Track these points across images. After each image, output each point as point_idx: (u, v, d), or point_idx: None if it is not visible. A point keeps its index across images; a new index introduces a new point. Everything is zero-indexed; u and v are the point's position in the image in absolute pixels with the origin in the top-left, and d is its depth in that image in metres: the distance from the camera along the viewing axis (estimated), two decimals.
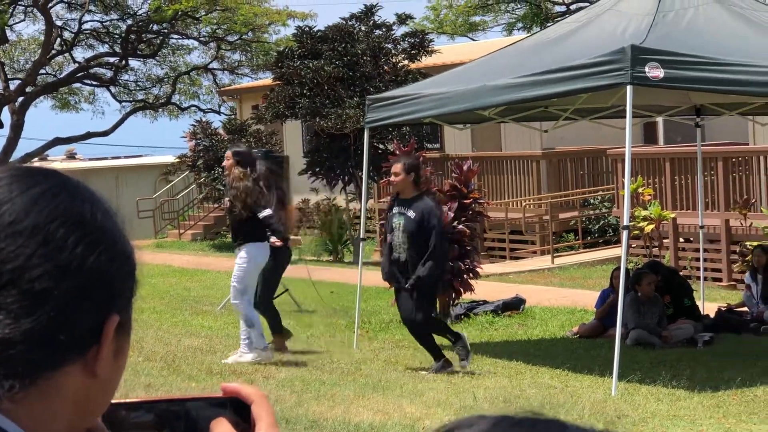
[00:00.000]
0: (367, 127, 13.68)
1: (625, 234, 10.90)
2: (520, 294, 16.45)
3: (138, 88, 38.18)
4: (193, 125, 30.11)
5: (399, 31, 27.13)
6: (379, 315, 15.71)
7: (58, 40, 35.29)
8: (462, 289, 15.43)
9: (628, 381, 10.72)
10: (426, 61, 26.86)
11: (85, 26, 35.89)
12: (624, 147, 10.96)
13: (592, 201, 24.91)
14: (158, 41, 36.08)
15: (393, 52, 26.66)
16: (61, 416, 1.23)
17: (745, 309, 15.02)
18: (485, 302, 16.01)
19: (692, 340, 13.41)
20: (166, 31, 35.38)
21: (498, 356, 12.55)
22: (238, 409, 1.33)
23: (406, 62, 26.55)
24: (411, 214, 11.09)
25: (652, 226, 19.03)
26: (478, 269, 15.73)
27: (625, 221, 10.93)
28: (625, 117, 10.57)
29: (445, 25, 40.87)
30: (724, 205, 19.58)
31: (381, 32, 26.71)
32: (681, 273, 16.31)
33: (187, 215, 33.98)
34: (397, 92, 13.90)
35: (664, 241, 20.15)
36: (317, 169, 26.28)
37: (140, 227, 31.55)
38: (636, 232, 19.00)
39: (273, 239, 11.81)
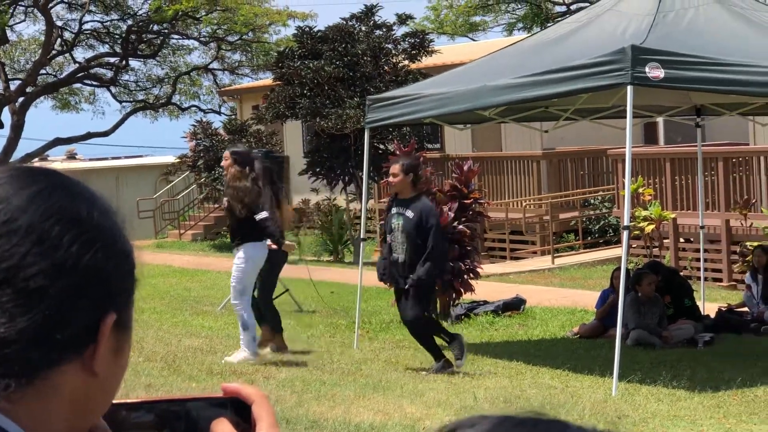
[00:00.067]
0: (367, 128, 13.68)
1: (625, 234, 10.90)
2: (520, 294, 16.45)
3: (138, 89, 38.20)
4: (193, 125, 30.11)
5: (399, 31, 27.15)
6: (380, 315, 15.71)
7: (59, 40, 35.30)
8: (462, 290, 15.44)
9: (629, 381, 10.72)
10: (426, 61, 26.85)
11: (86, 26, 35.92)
12: (624, 147, 10.96)
13: (592, 201, 24.91)
14: (159, 41, 36.09)
15: (393, 52, 26.66)
16: (60, 415, 1.23)
17: (746, 309, 15.02)
18: (486, 302, 16.01)
19: (693, 341, 13.40)
20: (166, 31, 35.39)
21: (498, 356, 12.55)
22: (238, 409, 1.33)
23: (406, 62, 26.55)
24: (409, 214, 11.11)
25: (652, 227, 19.03)
26: (478, 269, 15.73)
27: (626, 221, 10.93)
28: (625, 117, 10.57)
29: (445, 26, 40.88)
30: (725, 205, 19.58)
31: (381, 32, 26.71)
32: (681, 273, 16.31)
33: (187, 215, 33.98)
34: (397, 92, 13.90)
35: (665, 241, 20.15)
36: (317, 170, 26.28)
37: (140, 227, 31.55)
38: (636, 232, 19.01)
39: (268, 242, 11.82)
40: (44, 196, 1.23)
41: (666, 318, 13.76)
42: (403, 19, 27.32)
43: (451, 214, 15.30)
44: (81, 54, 37.31)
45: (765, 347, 13.17)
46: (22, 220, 1.21)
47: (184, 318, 15.78)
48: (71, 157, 40.10)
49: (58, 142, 35.29)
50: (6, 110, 33.57)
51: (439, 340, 11.62)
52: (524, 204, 24.51)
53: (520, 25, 39.51)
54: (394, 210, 11.33)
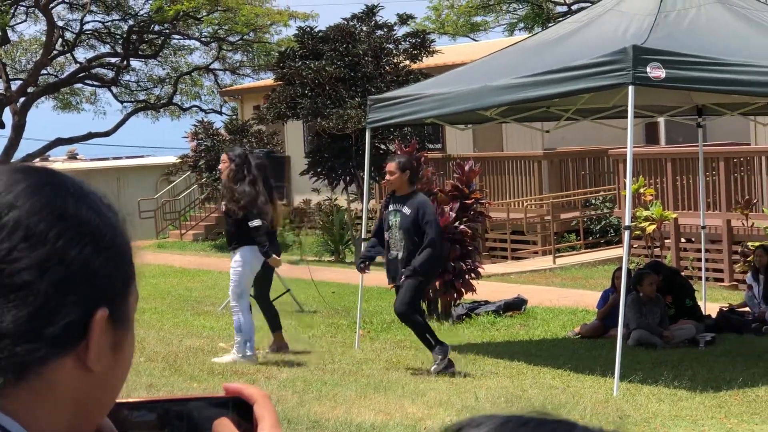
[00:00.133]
0: (368, 128, 13.68)
1: (626, 234, 10.90)
2: (521, 294, 16.45)
3: (139, 89, 38.22)
4: (194, 125, 30.11)
5: (400, 31, 27.14)
6: (381, 315, 15.70)
7: (60, 40, 35.30)
8: (464, 290, 15.44)
9: (630, 381, 10.72)
10: (427, 61, 26.85)
11: (87, 27, 35.93)
12: (626, 147, 10.96)
13: (593, 201, 24.90)
14: (160, 41, 36.11)
15: (394, 52, 26.66)
16: (59, 412, 1.23)
17: (747, 309, 15.01)
18: (487, 302, 16.01)
19: (694, 341, 13.40)
20: (167, 31, 35.40)
21: (500, 356, 12.55)
22: (240, 409, 1.33)
23: (407, 62, 26.54)
24: (406, 210, 11.15)
25: (653, 227, 19.02)
26: (479, 269, 15.73)
27: (627, 221, 10.93)
28: (626, 117, 10.57)
29: (446, 26, 40.88)
30: (726, 205, 19.57)
31: (382, 32, 26.70)
32: (682, 273, 16.30)
33: (188, 215, 33.99)
34: (398, 92, 13.90)
35: (666, 241, 20.15)
36: (319, 170, 26.28)
37: (142, 228, 31.55)
38: (637, 232, 19.00)
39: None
40: (31, 193, 1.23)
41: (667, 318, 13.76)
42: (404, 19, 27.31)
43: (453, 214, 15.31)
44: (82, 54, 37.44)
45: (766, 347, 13.16)
46: (8, 216, 1.21)
47: (186, 318, 15.79)
48: (72, 157, 40.12)
49: (59, 142, 35.31)
50: (7, 110, 33.59)
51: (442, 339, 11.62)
52: (525, 204, 24.50)
53: (522, 25, 39.51)
54: (391, 207, 11.36)
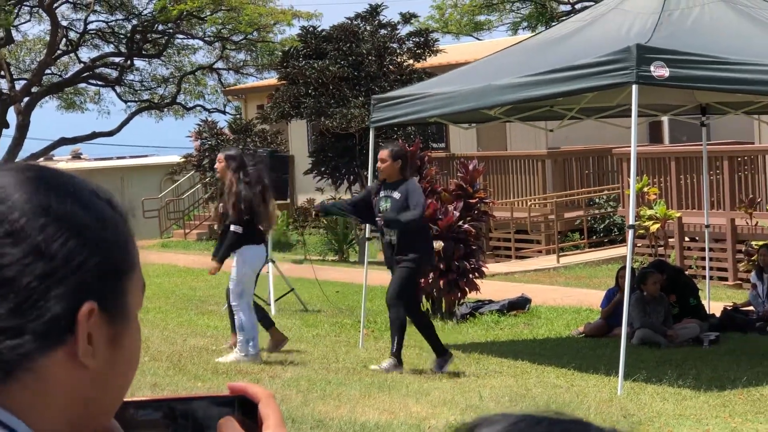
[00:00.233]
0: (372, 127, 13.68)
1: (630, 233, 10.90)
2: (525, 293, 16.45)
3: (143, 88, 38.25)
4: (198, 125, 30.14)
5: (404, 30, 27.16)
6: (385, 314, 15.63)
7: (64, 40, 35.33)
8: (467, 289, 15.44)
9: (634, 380, 10.72)
10: (431, 60, 26.86)
11: (91, 26, 35.97)
12: (629, 146, 10.96)
13: (597, 200, 24.90)
14: (163, 41, 36.13)
15: (398, 51, 26.67)
16: (59, 410, 1.23)
17: (751, 308, 15.00)
18: (491, 302, 16.01)
19: (698, 340, 13.39)
20: (171, 31, 35.41)
21: (504, 355, 12.55)
22: (244, 408, 1.33)
23: (411, 62, 26.56)
24: (396, 195, 11.21)
25: (657, 226, 19.02)
26: (483, 269, 15.74)
27: (631, 220, 10.93)
28: (630, 116, 10.56)
29: (450, 25, 40.86)
30: (730, 204, 19.56)
31: (386, 32, 26.72)
32: (686, 272, 16.29)
33: (192, 215, 34.01)
34: (402, 92, 13.90)
35: (670, 240, 20.14)
36: (322, 169, 26.30)
37: (146, 227, 31.57)
38: (641, 231, 19.00)
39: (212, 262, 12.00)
40: (15, 189, 1.23)
41: (671, 317, 13.75)
42: (407, 18, 27.33)
43: (457, 214, 15.31)
44: (86, 54, 37.46)
45: None
46: None
47: (190, 317, 15.79)
48: (76, 156, 40.17)
49: (63, 141, 35.34)
50: (11, 110, 33.62)
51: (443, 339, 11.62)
52: (529, 203, 24.50)
53: (525, 24, 39.49)
54: (382, 194, 11.40)
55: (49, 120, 43.53)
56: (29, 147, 35.19)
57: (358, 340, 13.39)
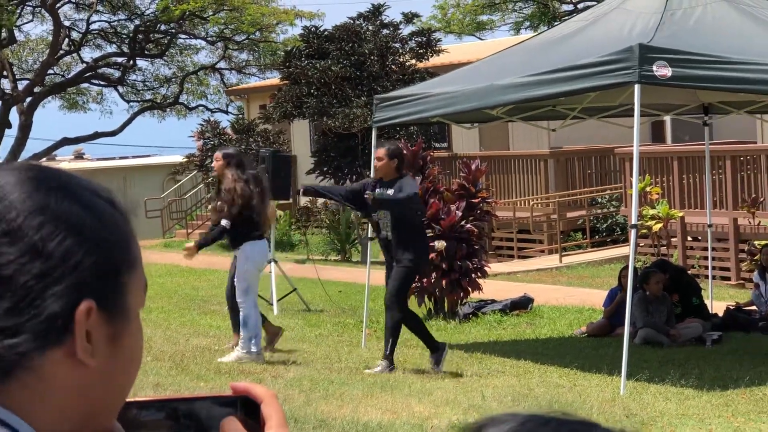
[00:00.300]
0: (374, 127, 13.68)
1: (633, 233, 10.90)
2: (528, 293, 16.44)
3: (146, 88, 38.25)
4: (201, 125, 30.15)
5: (406, 30, 27.16)
6: None
7: (66, 40, 35.34)
8: (470, 288, 15.44)
9: (637, 380, 10.71)
10: (433, 60, 26.86)
11: (93, 26, 35.97)
12: (632, 146, 10.95)
13: (599, 200, 24.89)
14: (166, 41, 36.13)
15: (400, 51, 26.68)
16: (61, 409, 1.23)
17: (754, 308, 14.99)
18: (493, 301, 16.01)
19: (701, 339, 13.39)
20: (173, 30, 35.42)
21: (506, 355, 12.55)
22: (247, 408, 1.33)
23: (413, 61, 26.56)
24: (390, 192, 11.21)
25: (660, 225, 19.01)
26: (486, 268, 15.73)
27: (633, 220, 10.93)
28: (632, 116, 10.56)
29: (452, 25, 40.84)
30: (732, 203, 19.56)
31: (388, 31, 26.72)
32: (689, 272, 16.29)
33: (194, 215, 34.02)
34: (404, 91, 13.90)
35: (672, 239, 20.14)
36: (325, 169, 26.31)
37: (148, 227, 31.58)
38: (644, 230, 18.99)
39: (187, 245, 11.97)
40: (12, 189, 1.24)
41: (674, 316, 13.75)
42: (409, 18, 27.33)
43: (459, 213, 15.31)
44: (88, 54, 37.37)
45: None
46: None
47: (192, 317, 15.80)
48: (79, 156, 40.19)
49: (65, 141, 35.34)
50: (14, 110, 33.64)
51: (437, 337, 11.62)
52: (532, 203, 24.50)
53: (527, 23, 39.48)
54: (377, 191, 11.40)
55: (51, 120, 43.57)
56: (32, 147, 35.26)
57: (361, 340, 13.40)
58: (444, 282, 15.17)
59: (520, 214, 24.29)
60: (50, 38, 34.51)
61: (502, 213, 23.12)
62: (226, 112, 38.37)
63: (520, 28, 39.84)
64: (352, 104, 25.30)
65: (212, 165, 12.19)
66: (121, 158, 40.99)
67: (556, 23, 29.35)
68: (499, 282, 18.44)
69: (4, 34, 33.09)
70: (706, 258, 17.18)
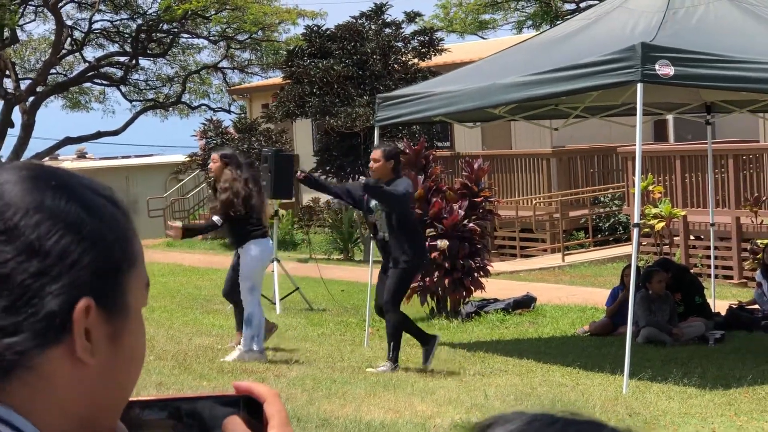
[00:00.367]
0: (377, 126, 13.68)
1: (635, 232, 10.89)
2: (530, 292, 16.44)
3: (148, 88, 38.25)
4: (203, 124, 30.16)
5: (408, 29, 27.16)
6: None
7: (69, 39, 35.35)
8: (473, 287, 15.44)
9: (639, 379, 10.71)
10: (436, 59, 26.86)
11: (96, 26, 35.98)
12: (634, 145, 10.95)
13: (602, 199, 24.89)
14: (168, 40, 36.14)
15: (403, 50, 26.68)
16: (64, 408, 1.22)
17: (757, 306, 14.99)
18: (496, 300, 16.01)
19: (703, 338, 13.39)
20: (176, 30, 35.43)
21: (509, 354, 12.55)
22: (250, 407, 1.33)
23: (415, 61, 26.56)
24: None
25: (662, 224, 19.01)
26: (488, 267, 15.73)
27: (636, 219, 10.92)
28: (635, 115, 10.55)
29: (454, 24, 40.84)
30: (735, 202, 19.55)
31: (390, 31, 26.72)
32: (692, 270, 16.28)
33: (197, 214, 34.03)
34: (407, 91, 13.90)
35: (675, 238, 20.13)
36: (327, 168, 26.31)
37: (150, 226, 31.58)
38: (646, 229, 18.99)
39: (172, 222, 11.88)
40: (11, 188, 1.24)
41: (676, 315, 13.74)
42: (412, 17, 27.32)
43: (461, 212, 15.31)
44: (91, 53, 37.47)
45: None
46: None
47: (195, 316, 15.81)
48: (81, 156, 40.22)
49: (68, 141, 35.36)
50: (16, 110, 33.65)
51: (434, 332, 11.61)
52: (534, 202, 24.49)
53: (530, 23, 39.47)
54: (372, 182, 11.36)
55: (54, 119, 43.61)
56: (34, 146, 35.19)
57: (363, 339, 13.40)
58: (446, 281, 15.17)
59: (523, 213, 24.28)
60: (53, 37, 34.52)
61: (505, 212, 23.11)
62: (229, 112, 38.39)
63: (522, 27, 39.84)
64: (355, 103, 25.30)
65: (209, 166, 12.18)
66: (123, 157, 41.01)
67: (558, 22, 29.34)
68: (501, 281, 18.44)
69: (6, 34, 33.10)
70: (708, 257, 17.17)
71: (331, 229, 26.83)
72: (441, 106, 12.41)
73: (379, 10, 26.80)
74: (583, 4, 34.70)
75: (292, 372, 11.11)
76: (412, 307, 15.32)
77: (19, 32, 34.41)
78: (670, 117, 21.62)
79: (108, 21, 36.39)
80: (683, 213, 19.62)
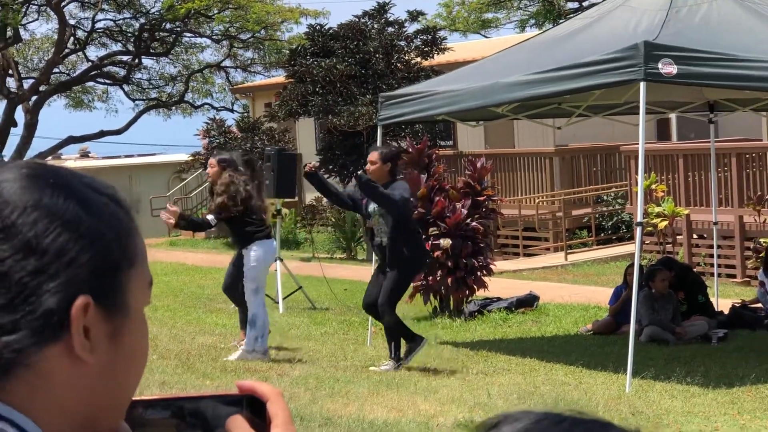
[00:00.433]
0: (380, 125, 13.68)
1: (638, 230, 10.89)
2: (533, 291, 16.44)
3: (151, 87, 38.29)
4: (206, 123, 30.17)
5: (411, 28, 27.15)
6: None
7: (72, 38, 35.38)
8: (475, 286, 15.44)
9: (642, 377, 10.71)
10: (438, 58, 26.85)
11: (98, 25, 36.02)
12: (637, 143, 10.94)
13: (605, 198, 24.88)
14: (171, 39, 36.16)
15: (405, 49, 26.67)
16: (64, 406, 1.22)
17: (760, 305, 14.98)
18: (499, 299, 16.00)
19: (706, 337, 13.38)
20: (179, 29, 35.45)
21: (512, 353, 12.55)
22: (253, 406, 1.33)
23: (418, 60, 26.56)
24: None
25: (665, 223, 18.99)
26: (491, 266, 15.73)
27: (639, 218, 10.92)
28: (638, 113, 10.55)
29: (457, 23, 40.83)
30: (738, 201, 19.54)
31: (393, 30, 26.72)
32: (695, 269, 16.28)
33: (200, 213, 34.02)
34: (409, 89, 13.90)
35: (678, 237, 20.12)
36: (330, 167, 26.31)
37: (153, 225, 31.57)
38: (649, 228, 18.97)
39: (166, 212, 11.86)
40: (8, 185, 1.24)
41: (679, 314, 13.74)
42: (414, 16, 27.32)
43: (464, 211, 15.31)
44: (94, 52, 37.51)
45: None
46: None
47: (198, 316, 15.81)
48: (84, 155, 40.22)
49: (71, 140, 35.39)
50: (19, 109, 33.67)
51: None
52: (537, 201, 24.48)
53: (532, 21, 39.46)
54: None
55: (57, 118, 43.65)
56: (37, 146, 35.27)
57: (366, 338, 13.40)
58: (449, 280, 15.17)
59: (526, 211, 24.27)
60: (55, 37, 34.54)
61: (508, 211, 23.11)
62: (232, 111, 38.41)
63: (525, 26, 39.82)
64: (358, 102, 25.30)
65: (207, 171, 12.21)
66: (126, 156, 41.01)
67: (561, 21, 29.32)
68: (504, 280, 18.44)
69: (9, 33, 33.12)
70: (711, 255, 17.16)
71: (334, 228, 26.83)
72: (444, 105, 12.41)
73: (381, 9, 26.80)
74: (585, 3, 34.70)
75: (295, 371, 11.11)
76: (415, 306, 15.33)
77: (22, 31, 34.43)
78: (673, 116, 21.61)
79: (111, 20, 36.45)
80: (686, 212, 19.60)
